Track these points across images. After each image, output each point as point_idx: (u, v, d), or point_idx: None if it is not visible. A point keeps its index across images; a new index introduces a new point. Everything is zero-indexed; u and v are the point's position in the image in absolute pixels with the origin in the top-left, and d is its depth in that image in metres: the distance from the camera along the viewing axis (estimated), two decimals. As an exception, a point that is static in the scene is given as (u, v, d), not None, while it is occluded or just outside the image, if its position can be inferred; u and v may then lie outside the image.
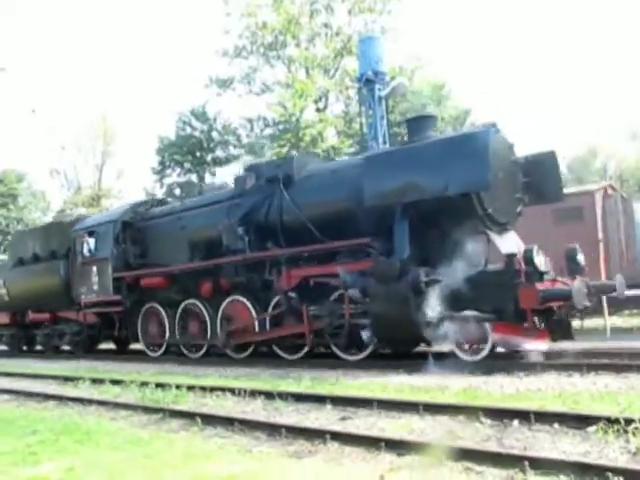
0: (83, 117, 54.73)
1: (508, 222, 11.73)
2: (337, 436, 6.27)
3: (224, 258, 14.38)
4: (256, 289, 14.03)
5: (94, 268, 17.50)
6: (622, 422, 5.79)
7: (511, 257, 10.63)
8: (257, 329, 13.84)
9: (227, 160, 45.50)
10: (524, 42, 76.53)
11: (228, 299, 14.42)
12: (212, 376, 12.15)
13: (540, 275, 10.59)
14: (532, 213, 13.03)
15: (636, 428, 5.65)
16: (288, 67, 40.42)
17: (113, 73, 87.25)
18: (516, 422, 6.44)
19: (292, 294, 13.18)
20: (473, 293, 10.52)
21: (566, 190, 13.77)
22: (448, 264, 10.83)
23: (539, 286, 10.23)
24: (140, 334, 16.88)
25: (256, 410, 8.32)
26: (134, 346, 18.73)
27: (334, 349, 12.60)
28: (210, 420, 7.59)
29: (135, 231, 17.19)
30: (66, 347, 20.54)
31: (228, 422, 7.34)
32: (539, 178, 11.92)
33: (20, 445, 7.02)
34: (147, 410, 8.71)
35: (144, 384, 10.76)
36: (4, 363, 17.87)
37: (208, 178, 46.15)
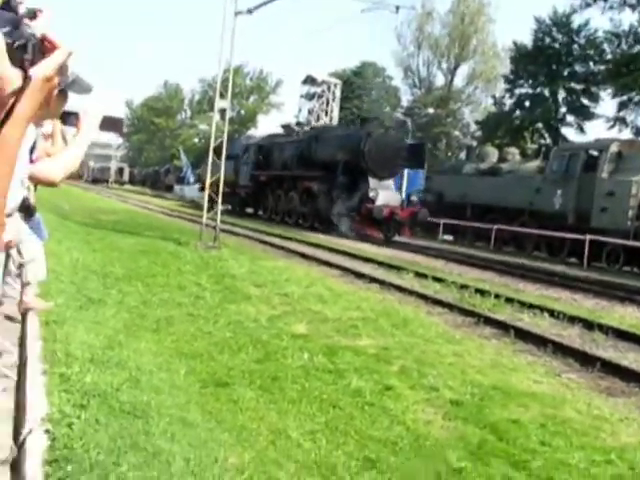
0: (441, 17, 54.54)
1: (387, 175, 24.54)
2: (658, 385, 5.90)
3: (285, 172, 28.55)
4: (298, 190, 27.18)
5: (245, 167, 31.86)
6: None
7: (366, 192, 23.34)
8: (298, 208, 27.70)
9: (585, 77, 42.62)
10: None
11: (290, 193, 27.93)
12: (531, 293, 12.05)
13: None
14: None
15: None
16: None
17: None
18: None
19: (304, 194, 26.58)
20: (352, 206, 23.33)
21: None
22: (352, 190, 23.66)
23: (369, 206, 22.76)
24: (261, 206, 31.79)
25: (572, 336, 8.10)
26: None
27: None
28: (523, 335, 7.59)
29: (265, 151, 31.18)
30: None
31: (541, 342, 7.27)
32: (415, 155, 25.32)
33: (344, 316, 7.67)
34: (463, 312, 8.96)
35: (464, 287, 11.03)
36: (338, 242, 19.45)
37: (561, 93, 43.96)
